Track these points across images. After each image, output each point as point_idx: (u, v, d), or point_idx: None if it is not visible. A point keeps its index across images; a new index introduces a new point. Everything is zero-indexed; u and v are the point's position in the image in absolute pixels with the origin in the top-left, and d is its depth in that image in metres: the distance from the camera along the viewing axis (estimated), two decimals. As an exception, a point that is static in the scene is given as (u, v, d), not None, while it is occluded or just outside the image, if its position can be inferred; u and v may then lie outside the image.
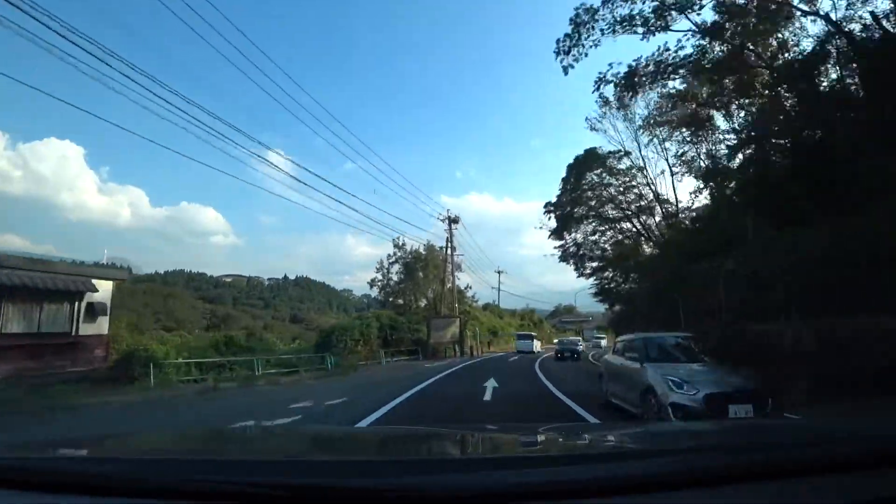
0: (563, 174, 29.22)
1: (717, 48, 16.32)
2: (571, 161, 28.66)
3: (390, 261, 41.29)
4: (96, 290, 14.65)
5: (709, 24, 15.69)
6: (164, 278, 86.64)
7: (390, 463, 1.39)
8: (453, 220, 37.74)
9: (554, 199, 29.66)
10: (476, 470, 1.19)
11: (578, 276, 30.40)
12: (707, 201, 21.44)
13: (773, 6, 15.06)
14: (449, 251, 37.48)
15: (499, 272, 62.47)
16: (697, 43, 16.25)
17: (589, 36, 16.71)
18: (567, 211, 28.77)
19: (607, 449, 1.67)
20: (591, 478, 1.09)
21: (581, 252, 29.76)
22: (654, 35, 16.23)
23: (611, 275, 29.12)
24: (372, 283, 42.16)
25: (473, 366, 22.80)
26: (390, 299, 41.53)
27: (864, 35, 12.71)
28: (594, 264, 29.70)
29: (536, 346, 38.98)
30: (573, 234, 29.70)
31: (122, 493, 1.06)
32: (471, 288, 44.95)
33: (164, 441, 2.06)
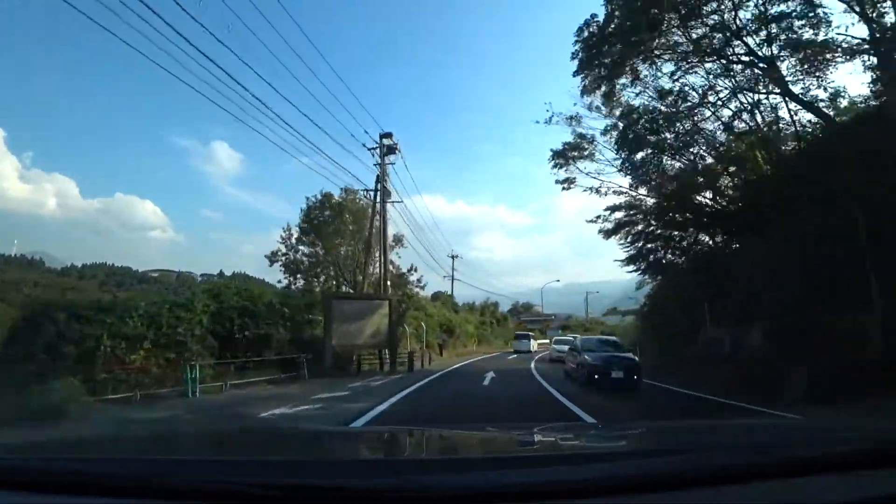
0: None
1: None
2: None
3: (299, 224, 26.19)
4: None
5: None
6: (81, 272, 72.94)
7: (388, 463, 1.46)
8: (389, 149, 22.61)
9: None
10: (473, 470, 1.20)
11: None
12: None
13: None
14: (380, 200, 22.03)
15: (452, 257, 48.74)
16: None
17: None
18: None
19: (605, 449, 1.69)
20: (589, 478, 1.09)
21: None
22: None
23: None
24: (272, 259, 26.86)
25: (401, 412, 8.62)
26: (295, 280, 26.53)
27: None
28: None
29: (533, 345, 37.17)
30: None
31: (121, 494, 1.06)
32: (416, 271, 30.23)
33: (161, 441, 2.05)
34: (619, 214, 20.50)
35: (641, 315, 25.05)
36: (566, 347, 33.08)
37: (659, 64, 15.40)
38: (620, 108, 17.28)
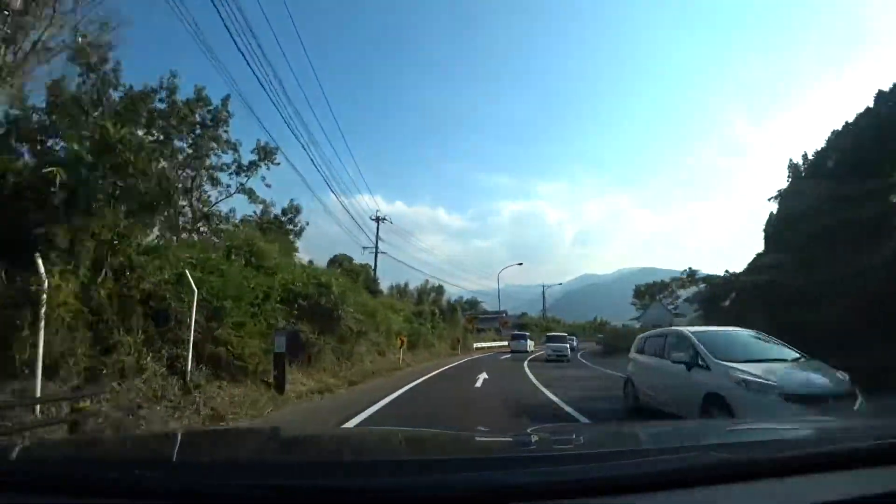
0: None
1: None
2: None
3: None
4: None
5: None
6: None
7: (383, 463, 1.42)
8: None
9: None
10: (469, 470, 1.18)
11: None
12: None
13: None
14: None
15: (377, 219, 31.75)
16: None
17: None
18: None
19: (602, 449, 1.66)
20: (586, 478, 1.08)
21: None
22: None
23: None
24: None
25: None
26: None
27: None
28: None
29: (530, 345, 35.82)
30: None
31: (119, 495, 1.04)
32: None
33: (156, 443, 2.04)
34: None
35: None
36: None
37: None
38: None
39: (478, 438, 2.06)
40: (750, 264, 20.51)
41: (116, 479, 1.10)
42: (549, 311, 67.14)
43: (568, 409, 8.65)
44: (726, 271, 23.21)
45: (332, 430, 4.61)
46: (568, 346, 27.26)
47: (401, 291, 35.25)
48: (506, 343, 35.79)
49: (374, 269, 33.71)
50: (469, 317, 43.16)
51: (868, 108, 17.67)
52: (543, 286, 71.34)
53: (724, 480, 1.06)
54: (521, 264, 58.39)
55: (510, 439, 2.04)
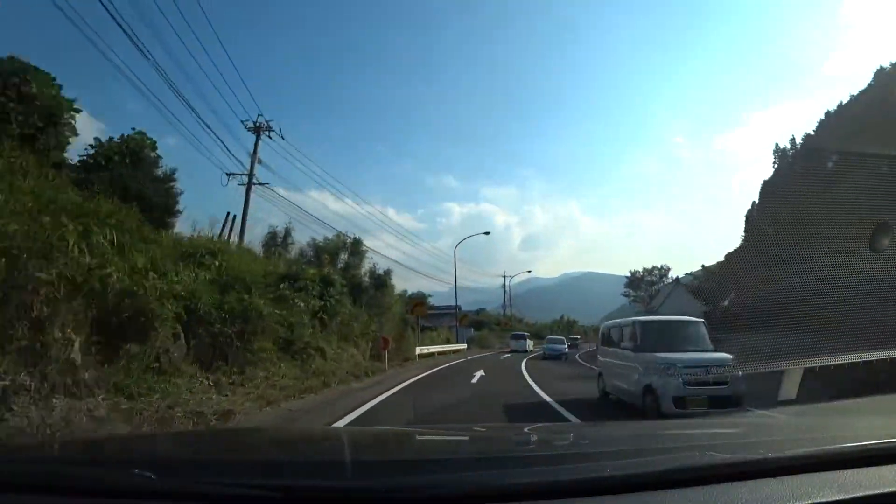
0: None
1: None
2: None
3: None
4: None
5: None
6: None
7: (381, 463, 1.42)
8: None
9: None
10: (468, 470, 1.20)
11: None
12: None
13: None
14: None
15: (256, 128, 17.13)
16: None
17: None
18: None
19: (599, 448, 1.65)
20: (583, 477, 1.08)
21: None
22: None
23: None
24: None
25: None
26: None
27: None
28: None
29: (529, 345, 36.99)
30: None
31: (118, 495, 1.03)
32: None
33: (153, 442, 2.02)
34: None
35: None
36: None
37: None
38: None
39: (477, 437, 2.07)
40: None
41: (115, 480, 1.09)
42: (494, 318, 54.02)
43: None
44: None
45: (330, 429, 4.72)
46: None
47: (273, 243, 19.03)
48: (465, 346, 31.26)
49: (245, 210, 18.20)
50: (415, 301, 27.50)
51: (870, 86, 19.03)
52: (506, 276, 57.92)
53: (723, 480, 1.06)
54: (487, 233, 44.68)
55: (509, 438, 2.05)
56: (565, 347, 29.73)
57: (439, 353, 26.48)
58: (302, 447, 1.85)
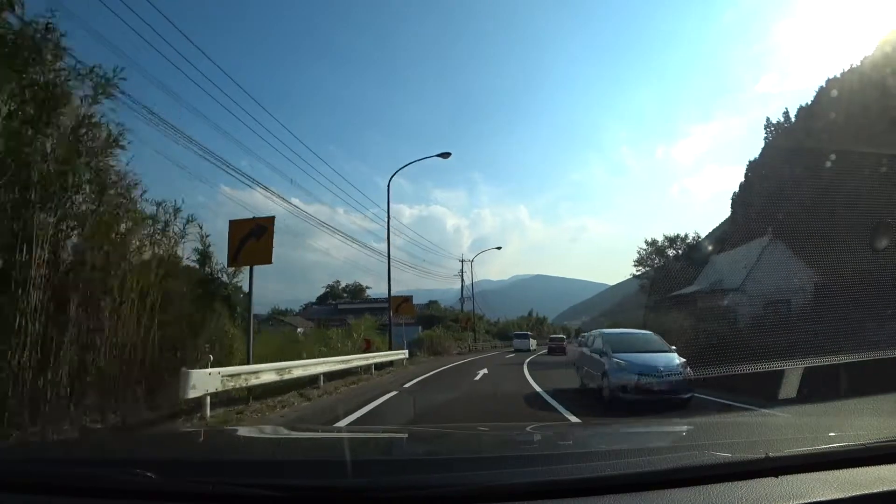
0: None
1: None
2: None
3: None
4: None
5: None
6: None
7: (382, 462, 1.44)
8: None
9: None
10: (468, 469, 1.17)
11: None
12: None
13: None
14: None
15: None
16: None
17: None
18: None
19: (598, 448, 1.64)
20: (582, 477, 1.07)
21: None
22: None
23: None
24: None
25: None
26: None
27: None
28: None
29: (532, 344, 36.81)
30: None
31: (119, 495, 1.03)
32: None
33: (153, 443, 2.01)
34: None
35: None
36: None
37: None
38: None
39: (477, 437, 2.05)
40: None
41: (116, 479, 1.08)
42: (451, 314, 40.57)
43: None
44: None
45: (330, 428, 4.62)
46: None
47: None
48: (404, 354, 20.89)
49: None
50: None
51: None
52: (462, 260, 44.06)
53: (724, 479, 1.06)
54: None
55: (509, 438, 2.01)
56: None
57: (331, 376, 12.14)
58: (302, 447, 1.87)
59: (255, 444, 1.89)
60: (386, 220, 21.27)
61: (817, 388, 5.65)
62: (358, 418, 7.13)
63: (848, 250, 9.84)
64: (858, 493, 1.03)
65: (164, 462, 1.32)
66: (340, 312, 41.13)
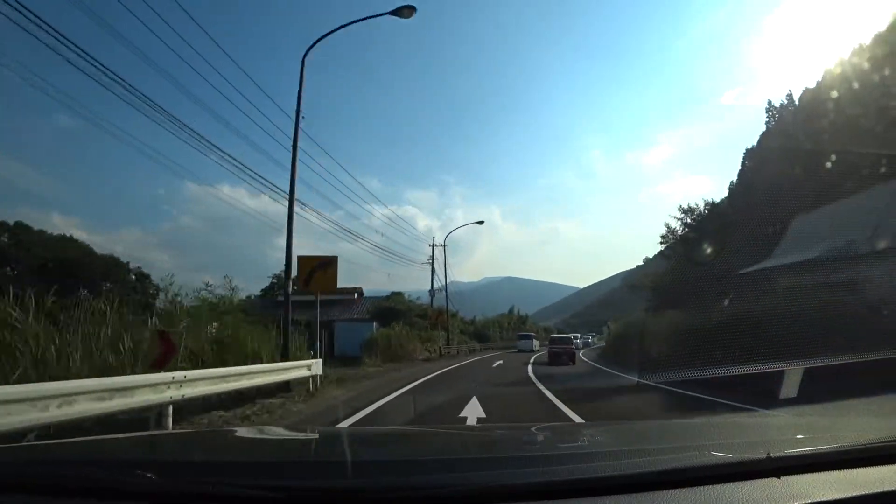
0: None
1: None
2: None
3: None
4: None
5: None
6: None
7: (382, 463, 1.39)
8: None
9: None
10: (470, 469, 1.18)
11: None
12: None
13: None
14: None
15: None
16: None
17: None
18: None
19: (600, 448, 1.64)
20: (583, 478, 1.06)
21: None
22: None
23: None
24: None
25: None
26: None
27: None
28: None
29: (535, 344, 35.04)
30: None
31: (119, 496, 1.01)
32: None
33: (155, 444, 2.01)
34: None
35: None
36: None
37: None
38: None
39: (477, 437, 2.07)
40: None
41: (116, 480, 1.08)
42: (417, 308, 32.00)
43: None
44: None
45: (330, 429, 4.65)
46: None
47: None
48: (307, 368, 11.24)
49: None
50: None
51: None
52: (434, 245, 35.14)
53: (724, 480, 1.05)
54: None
55: (509, 438, 2.00)
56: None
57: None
58: (302, 447, 1.85)
59: (255, 445, 1.88)
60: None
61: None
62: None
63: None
64: (860, 493, 1.03)
65: (164, 463, 1.34)
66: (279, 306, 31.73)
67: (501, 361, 21.41)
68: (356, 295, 33.47)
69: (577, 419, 7.76)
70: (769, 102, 35.46)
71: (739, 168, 35.81)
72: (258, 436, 2.36)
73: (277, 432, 2.76)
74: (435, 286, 31.35)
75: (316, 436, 2.23)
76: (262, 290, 36.53)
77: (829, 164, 17.08)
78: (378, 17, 12.59)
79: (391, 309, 27.86)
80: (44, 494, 1.03)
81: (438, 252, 31.89)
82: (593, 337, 54.95)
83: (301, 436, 2.29)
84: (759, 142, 35.16)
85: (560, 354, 20.19)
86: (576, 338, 32.57)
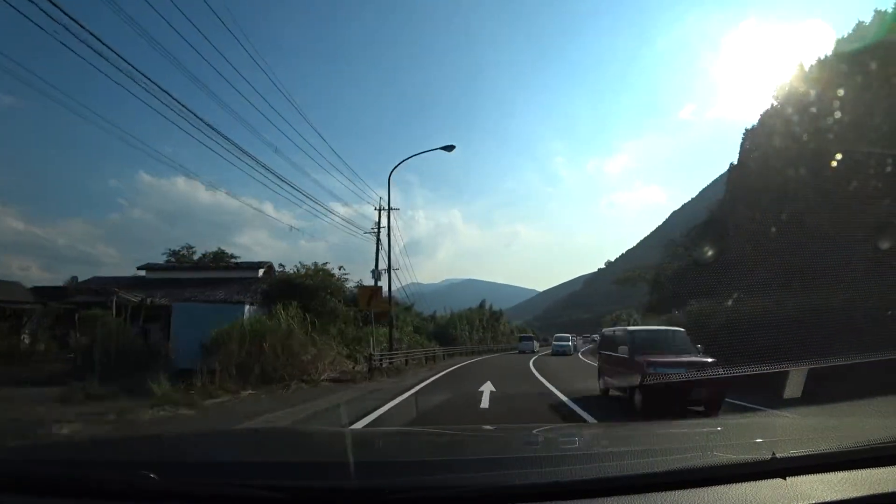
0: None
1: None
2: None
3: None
4: None
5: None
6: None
7: (385, 464, 1.37)
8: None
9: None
10: (473, 471, 1.15)
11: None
12: None
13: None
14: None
15: None
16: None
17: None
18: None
19: (604, 449, 1.64)
20: (586, 479, 1.05)
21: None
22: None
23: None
24: None
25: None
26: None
27: None
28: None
29: (535, 346, 35.81)
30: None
31: (123, 496, 1.02)
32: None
33: (162, 443, 1.96)
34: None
35: None
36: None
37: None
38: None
39: (481, 439, 2.00)
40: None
41: (119, 481, 1.07)
42: (337, 285, 21.09)
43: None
44: None
45: (334, 430, 4.31)
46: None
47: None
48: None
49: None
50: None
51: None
52: (380, 209, 23.78)
53: (730, 480, 1.05)
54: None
55: (513, 439, 1.96)
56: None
57: None
58: (306, 448, 1.81)
59: (257, 445, 1.84)
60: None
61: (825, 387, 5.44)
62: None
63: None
64: (866, 493, 1.03)
65: (167, 463, 1.31)
66: (169, 285, 19.03)
67: (492, 388, 10.41)
68: (261, 272, 21.57)
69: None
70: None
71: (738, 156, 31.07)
72: (262, 436, 2.37)
73: (279, 433, 2.87)
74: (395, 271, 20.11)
75: (320, 437, 2.25)
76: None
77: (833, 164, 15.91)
78: None
79: (288, 283, 16.08)
80: (47, 495, 1.03)
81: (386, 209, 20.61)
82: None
83: (305, 436, 2.30)
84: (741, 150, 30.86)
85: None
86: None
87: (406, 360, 17.71)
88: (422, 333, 27.97)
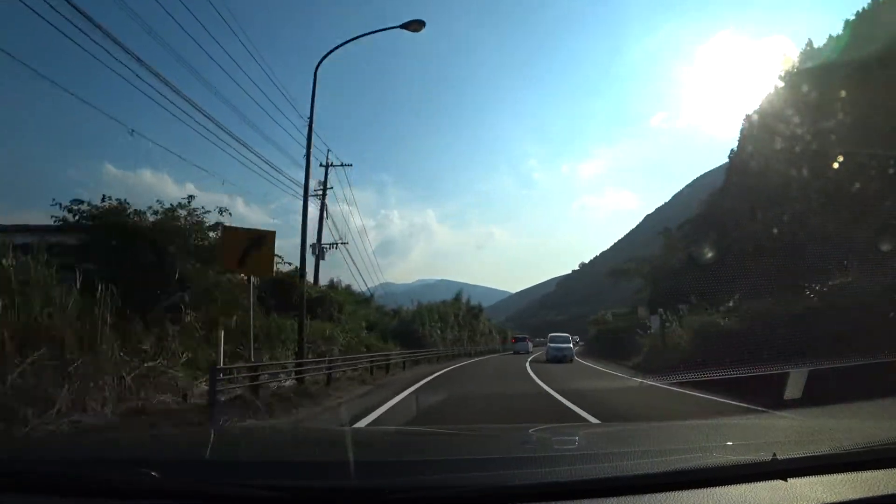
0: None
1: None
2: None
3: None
4: None
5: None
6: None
7: (383, 464, 1.37)
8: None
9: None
10: (471, 470, 1.16)
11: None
12: None
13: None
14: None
15: None
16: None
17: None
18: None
19: (604, 449, 1.62)
20: (584, 479, 1.05)
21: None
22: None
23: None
24: None
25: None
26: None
27: None
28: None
29: (529, 346, 34.92)
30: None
31: (123, 495, 0.99)
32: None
33: (162, 442, 1.96)
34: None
35: None
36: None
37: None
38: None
39: (480, 438, 2.01)
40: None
41: (120, 479, 1.05)
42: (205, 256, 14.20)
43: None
44: None
45: (334, 429, 4.50)
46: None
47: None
48: None
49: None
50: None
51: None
52: (328, 165, 16.13)
53: (730, 481, 1.04)
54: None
55: (512, 439, 1.98)
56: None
57: None
58: (306, 447, 1.82)
59: (259, 444, 1.83)
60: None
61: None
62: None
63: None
64: (868, 495, 1.02)
65: (168, 461, 1.31)
66: None
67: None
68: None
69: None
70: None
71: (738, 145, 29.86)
72: (262, 435, 2.37)
73: (281, 432, 2.93)
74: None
75: (320, 436, 2.29)
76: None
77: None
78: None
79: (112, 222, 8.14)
80: (47, 493, 1.01)
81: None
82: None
83: (305, 436, 2.32)
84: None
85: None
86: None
87: (328, 377, 10.19)
88: (376, 330, 20.51)
